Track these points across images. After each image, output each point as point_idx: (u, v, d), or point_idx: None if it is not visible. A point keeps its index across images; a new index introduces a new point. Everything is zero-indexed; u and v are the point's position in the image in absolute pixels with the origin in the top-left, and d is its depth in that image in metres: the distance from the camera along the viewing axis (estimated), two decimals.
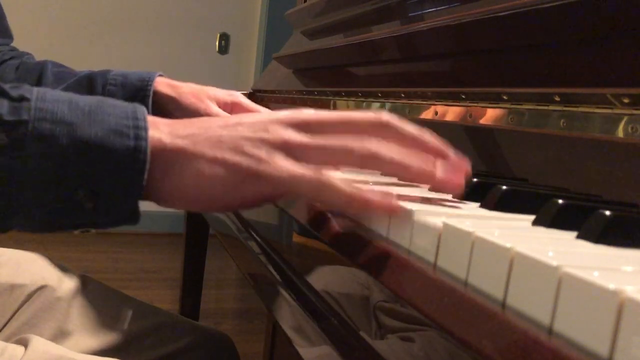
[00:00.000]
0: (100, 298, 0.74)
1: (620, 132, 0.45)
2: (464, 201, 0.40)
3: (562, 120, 0.50)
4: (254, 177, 0.38)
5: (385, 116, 0.40)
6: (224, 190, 0.38)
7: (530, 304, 0.24)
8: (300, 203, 0.47)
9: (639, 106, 0.44)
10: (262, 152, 0.38)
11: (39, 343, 0.58)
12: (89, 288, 0.75)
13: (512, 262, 0.25)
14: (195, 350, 0.74)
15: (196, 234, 1.62)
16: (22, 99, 0.35)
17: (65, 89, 0.74)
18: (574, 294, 0.22)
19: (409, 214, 0.34)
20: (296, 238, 0.47)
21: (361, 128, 0.40)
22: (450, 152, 0.41)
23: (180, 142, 0.38)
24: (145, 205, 0.40)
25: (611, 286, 0.20)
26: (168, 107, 0.77)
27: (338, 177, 0.38)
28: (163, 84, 0.78)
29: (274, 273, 0.50)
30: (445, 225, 0.30)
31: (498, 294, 0.26)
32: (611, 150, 0.46)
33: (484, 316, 0.25)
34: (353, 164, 0.39)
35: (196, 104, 0.76)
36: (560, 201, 0.33)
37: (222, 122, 0.40)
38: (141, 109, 0.38)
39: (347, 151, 0.39)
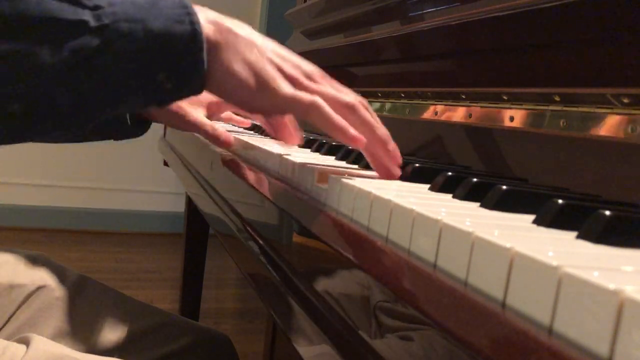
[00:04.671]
0: (99, 298, 0.74)
1: (620, 132, 0.45)
2: (463, 201, 0.40)
3: (562, 120, 0.50)
4: (268, 90, 0.48)
5: (360, 97, 0.52)
6: (240, 89, 0.47)
7: (530, 304, 0.24)
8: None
9: (639, 106, 0.44)
10: (277, 75, 0.48)
11: (40, 342, 0.58)
12: (88, 288, 0.75)
13: (512, 262, 0.25)
14: (194, 350, 0.74)
15: (196, 234, 1.62)
16: (96, 7, 0.41)
17: None
18: (574, 294, 0.22)
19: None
20: (296, 238, 0.47)
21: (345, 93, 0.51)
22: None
23: (223, 35, 0.47)
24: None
25: (611, 286, 0.20)
26: None
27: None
28: None
29: (274, 273, 0.50)
30: (445, 225, 0.30)
31: (498, 294, 0.26)
32: (611, 150, 0.45)
33: (484, 316, 0.25)
34: (334, 109, 0.49)
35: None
36: (560, 201, 0.33)
37: (256, 34, 0.50)
38: None
39: (337, 100, 0.49)
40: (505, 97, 0.58)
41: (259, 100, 0.48)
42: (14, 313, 0.69)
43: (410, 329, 0.30)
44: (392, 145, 0.51)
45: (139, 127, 0.51)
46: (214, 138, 0.70)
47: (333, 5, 1.11)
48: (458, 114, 0.65)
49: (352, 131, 0.48)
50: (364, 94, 0.90)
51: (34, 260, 0.75)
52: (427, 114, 0.71)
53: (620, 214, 0.29)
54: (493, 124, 0.59)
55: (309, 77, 0.51)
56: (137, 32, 0.41)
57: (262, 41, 0.49)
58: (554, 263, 0.23)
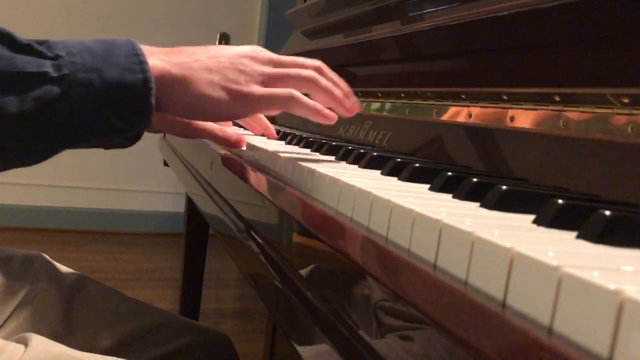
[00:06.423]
0: (98, 297, 0.74)
1: (620, 132, 0.45)
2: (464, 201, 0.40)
3: (562, 120, 0.50)
4: (240, 97, 0.52)
5: (319, 62, 0.58)
6: (218, 106, 0.52)
7: (530, 304, 0.24)
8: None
9: (639, 106, 0.44)
10: (242, 79, 0.53)
11: (39, 341, 0.58)
12: (87, 287, 0.75)
13: (512, 262, 0.25)
14: (194, 349, 0.74)
15: (196, 234, 1.62)
16: (57, 57, 0.45)
17: None
18: (574, 294, 0.22)
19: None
20: (296, 238, 0.47)
21: (305, 66, 0.57)
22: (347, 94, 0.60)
23: (179, 69, 0.51)
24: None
25: (611, 286, 0.20)
26: None
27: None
28: None
29: (274, 273, 0.50)
30: (445, 225, 0.30)
31: (498, 294, 0.26)
32: (611, 150, 0.45)
33: (484, 316, 0.25)
34: (301, 86, 0.55)
35: None
36: (560, 201, 0.33)
37: (205, 53, 0.53)
38: (137, 45, 0.49)
39: (299, 77, 0.55)
40: (505, 97, 0.58)
41: (238, 108, 0.53)
42: (12, 313, 0.69)
43: (410, 329, 0.30)
44: (351, 100, 0.59)
45: (128, 139, 0.54)
46: (225, 139, 0.68)
47: (333, 5, 1.11)
48: (458, 114, 0.65)
49: (326, 111, 0.56)
50: (364, 94, 0.90)
51: (34, 260, 0.75)
52: (427, 114, 0.71)
53: (620, 214, 0.29)
54: (493, 124, 0.59)
55: (273, 63, 0.55)
56: (94, 81, 0.46)
57: (216, 60, 0.52)
58: (554, 263, 0.23)
